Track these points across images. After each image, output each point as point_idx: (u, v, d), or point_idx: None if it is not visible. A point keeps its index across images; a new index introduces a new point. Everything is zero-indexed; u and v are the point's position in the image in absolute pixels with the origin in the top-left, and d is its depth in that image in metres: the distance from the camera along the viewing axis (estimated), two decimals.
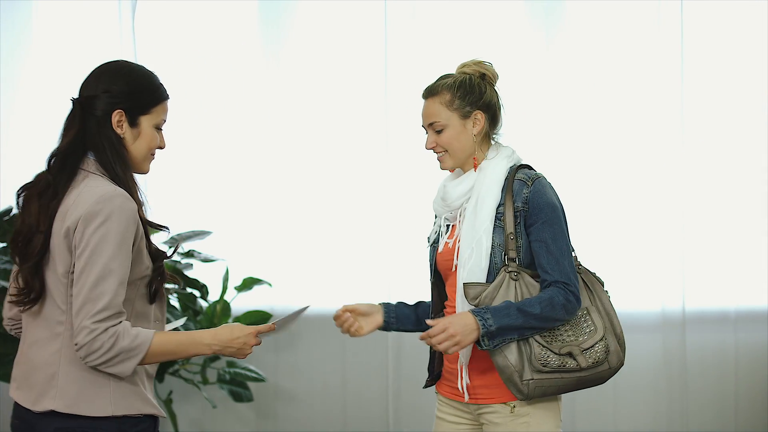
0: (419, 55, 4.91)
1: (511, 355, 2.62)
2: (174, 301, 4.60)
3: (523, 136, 4.89)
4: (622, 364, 2.74)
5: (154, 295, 2.40)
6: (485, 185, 2.74)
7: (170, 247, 4.57)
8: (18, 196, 2.47)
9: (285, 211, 4.91)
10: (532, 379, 2.62)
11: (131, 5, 4.89)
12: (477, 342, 2.62)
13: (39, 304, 2.36)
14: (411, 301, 3.02)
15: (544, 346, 2.63)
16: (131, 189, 2.38)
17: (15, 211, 4.53)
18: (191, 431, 4.83)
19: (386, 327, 2.90)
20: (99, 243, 2.25)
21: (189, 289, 4.57)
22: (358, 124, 4.96)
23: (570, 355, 2.64)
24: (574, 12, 4.99)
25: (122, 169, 2.38)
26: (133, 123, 2.41)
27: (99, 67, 2.46)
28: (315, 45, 4.95)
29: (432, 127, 2.81)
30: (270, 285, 4.73)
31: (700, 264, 4.96)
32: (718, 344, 4.98)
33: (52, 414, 2.30)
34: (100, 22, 4.94)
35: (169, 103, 2.49)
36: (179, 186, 4.88)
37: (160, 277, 2.41)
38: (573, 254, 2.77)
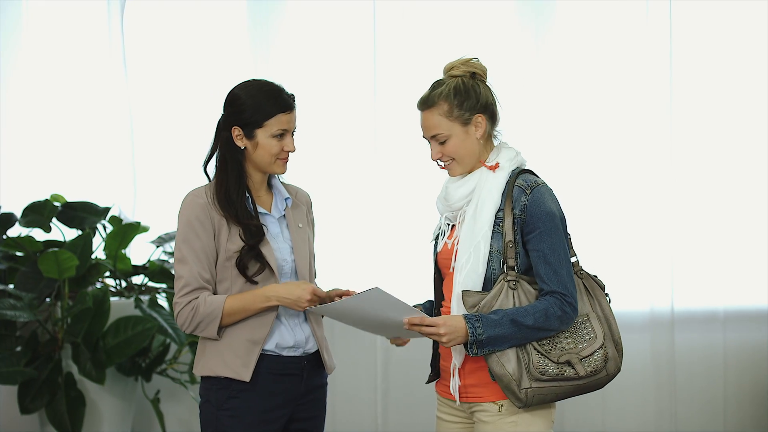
0: (408, 55, 4.91)
1: (508, 363, 2.62)
2: (162, 301, 4.60)
3: (512, 136, 4.89)
4: (619, 371, 2.72)
5: (244, 271, 2.78)
6: (486, 189, 2.71)
7: (158, 246, 4.62)
8: None
9: None
10: (531, 388, 2.61)
11: (120, 5, 4.88)
12: (465, 346, 2.62)
13: None
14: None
15: (542, 355, 2.62)
16: (220, 191, 2.81)
17: (2, 211, 4.56)
18: (179, 431, 4.83)
19: None
20: (176, 234, 2.82)
21: None
22: (346, 124, 4.95)
23: (568, 363, 2.63)
24: (564, 12, 4.99)
25: (225, 176, 2.83)
26: (250, 136, 2.82)
27: (234, 86, 2.89)
28: (304, 45, 4.94)
29: (435, 139, 2.77)
30: None
31: (688, 264, 4.97)
32: (707, 344, 4.99)
33: None
34: (89, 22, 4.93)
35: (297, 111, 2.88)
36: (169, 185, 4.87)
37: (245, 256, 2.78)
38: (575, 259, 2.75)
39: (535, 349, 2.63)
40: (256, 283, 2.80)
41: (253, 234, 2.79)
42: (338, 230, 4.93)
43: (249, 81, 2.88)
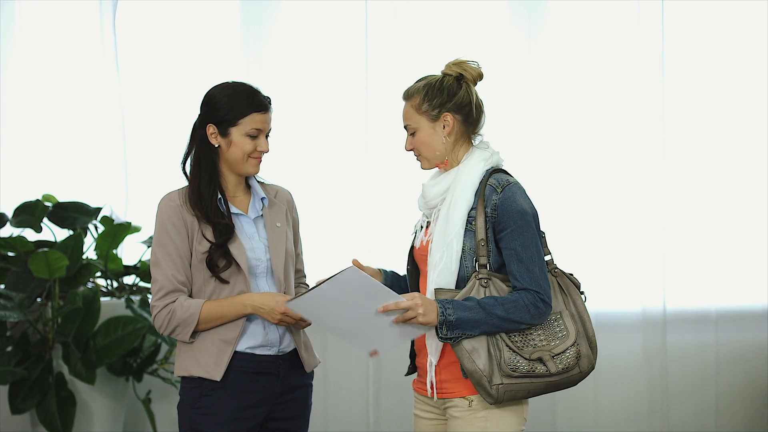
0: (400, 54, 4.91)
1: (479, 359, 2.64)
2: None
3: (504, 136, 4.89)
4: (593, 368, 2.74)
5: (213, 270, 2.81)
6: (459, 188, 2.74)
7: (149, 247, 4.60)
8: None
9: None
10: (502, 384, 2.63)
11: (112, 5, 4.88)
12: (436, 331, 2.64)
13: None
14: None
15: (514, 351, 2.64)
16: (193, 190, 2.84)
17: None
18: (170, 431, 4.82)
19: None
20: (153, 237, 2.86)
21: None
22: (339, 123, 4.95)
23: (540, 360, 2.65)
24: (556, 11, 5.00)
25: (198, 175, 2.85)
26: (224, 134, 2.85)
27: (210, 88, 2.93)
28: (296, 45, 4.95)
29: (407, 129, 2.83)
30: None
31: (680, 264, 4.97)
32: (699, 344, 4.98)
33: None
34: (81, 22, 4.93)
35: (272, 113, 2.91)
36: (161, 185, 4.83)
37: (214, 254, 2.81)
38: (549, 257, 2.77)
39: (507, 345, 2.65)
40: (227, 282, 2.82)
41: (222, 233, 2.82)
42: (331, 228, 4.93)
43: (226, 82, 2.91)
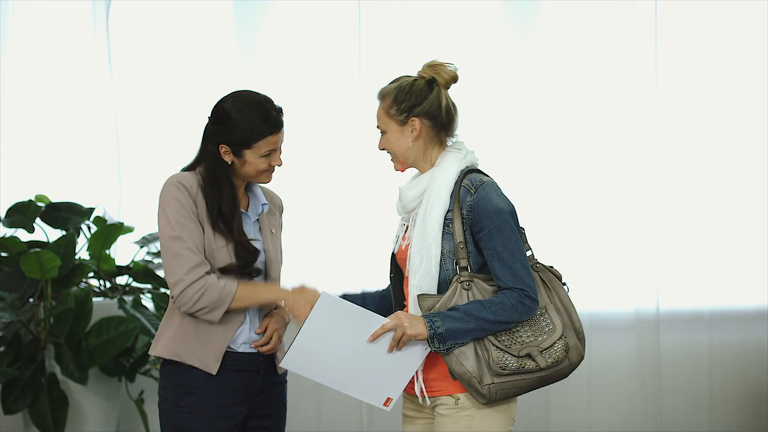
0: (393, 55, 4.91)
1: (467, 361, 2.62)
2: (147, 301, 4.60)
3: (498, 136, 4.91)
4: (582, 359, 2.73)
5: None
6: (434, 191, 2.71)
7: (142, 247, 4.61)
8: None
9: None
10: (493, 383, 2.62)
11: (105, 5, 4.88)
12: (429, 343, 2.63)
13: None
14: (365, 289, 3.04)
15: (501, 350, 2.63)
16: (212, 208, 2.77)
17: None
18: None
19: None
20: (163, 215, 2.77)
21: (162, 289, 4.56)
22: (332, 124, 4.95)
23: (529, 356, 2.64)
24: (550, 12, 5.00)
25: (218, 191, 2.77)
26: (238, 155, 2.78)
27: (222, 99, 2.81)
28: (290, 45, 4.95)
29: (379, 129, 2.81)
30: None
31: (674, 264, 4.97)
32: (692, 344, 4.99)
33: None
34: (74, 22, 4.93)
35: (284, 130, 2.81)
36: (154, 186, 4.82)
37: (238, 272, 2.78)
38: (530, 253, 2.75)
39: (494, 344, 2.63)
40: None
41: (247, 252, 2.80)
42: (324, 230, 4.93)
43: (239, 95, 2.82)
